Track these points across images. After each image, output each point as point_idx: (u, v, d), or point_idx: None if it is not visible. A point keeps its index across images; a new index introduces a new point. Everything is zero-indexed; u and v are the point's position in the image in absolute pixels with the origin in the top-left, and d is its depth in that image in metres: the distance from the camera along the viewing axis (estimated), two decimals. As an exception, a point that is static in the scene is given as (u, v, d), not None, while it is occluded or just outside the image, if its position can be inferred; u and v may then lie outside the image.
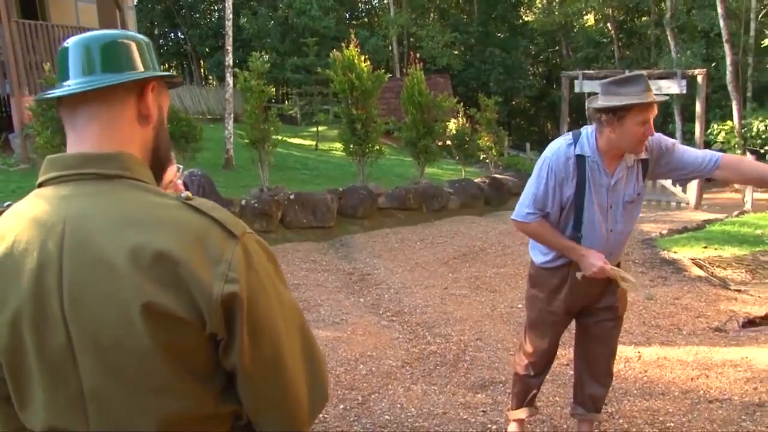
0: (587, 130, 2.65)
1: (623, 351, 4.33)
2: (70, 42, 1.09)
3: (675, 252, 7.52)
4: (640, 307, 5.35)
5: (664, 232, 8.89)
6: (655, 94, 2.50)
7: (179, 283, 0.95)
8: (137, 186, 1.04)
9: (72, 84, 1.05)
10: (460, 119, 13.31)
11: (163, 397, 0.99)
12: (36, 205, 1.03)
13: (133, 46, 1.10)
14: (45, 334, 1.00)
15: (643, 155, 2.64)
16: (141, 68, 1.09)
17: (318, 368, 1.10)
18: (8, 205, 1.09)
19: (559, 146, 2.66)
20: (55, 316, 0.98)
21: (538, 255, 2.86)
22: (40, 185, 1.05)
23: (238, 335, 0.98)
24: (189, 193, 1.04)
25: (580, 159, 2.60)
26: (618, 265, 2.83)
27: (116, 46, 1.08)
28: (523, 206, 2.72)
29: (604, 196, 2.64)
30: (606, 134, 2.54)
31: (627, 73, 2.60)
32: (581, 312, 2.89)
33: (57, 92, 1.05)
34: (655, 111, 2.50)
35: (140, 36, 1.14)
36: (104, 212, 0.99)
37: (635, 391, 3.75)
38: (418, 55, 14.33)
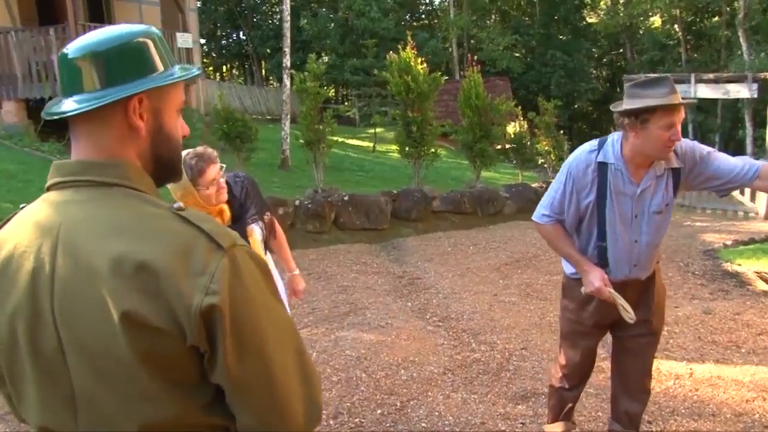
0: (614, 137, 2.55)
1: (674, 367, 4.17)
2: (69, 50, 1.07)
3: (739, 264, 7.21)
4: (697, 322, 5.13)
5: (729, 242, 8.53)
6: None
7: (159, 293, 0.95)
8: (132, 195, 1.05)
9: (64, 102, 1.06)
10: (519, 123, 13.12)
11: (146, 404, 1.00)
12: (39, 210, 1.07)
13: (136, 48, 1.07)
14: (38, 335, 1.02)
15: (675, 164, 2.51)
16: (153, 70, 1.08)
17: (313, 387, 1.08)
18: (23, 207, 1.12)
19: (581, 152, 2.59)
20: (46, 319, 1.01)
21: (568, 265, 2.79)
22: (48, 189, 1.09)
23: (220, 348, 0.97)
24: (181, 204, 1.04)
25: (602, 166, 2.51)
26: (652, 277, 2.72)
27: (107, 56, 1.05)
28: (541, 207, 2.72)
29: (627, 206, 2.54)
30: (630, 140, 2.44)
31: (652, 75, 2.49)
32: (614, 326, 2.79)
33: (44, 114, 1.08)
34: (682, 115, 2.38)
35: (151, 31, 1.11)
36: (95, 220, 1.01)
37: (683, 411, 3.60)
38: (475, 57, 14.20)
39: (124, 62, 1.06)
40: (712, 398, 3.75)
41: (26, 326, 1.03)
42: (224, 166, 2.72)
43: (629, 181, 2.51)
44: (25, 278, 1.02)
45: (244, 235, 2.77)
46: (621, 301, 2.54)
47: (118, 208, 1.02)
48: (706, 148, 2.55)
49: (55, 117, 1.05)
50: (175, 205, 1.03)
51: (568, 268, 2.79)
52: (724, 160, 2.51)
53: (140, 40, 1.08)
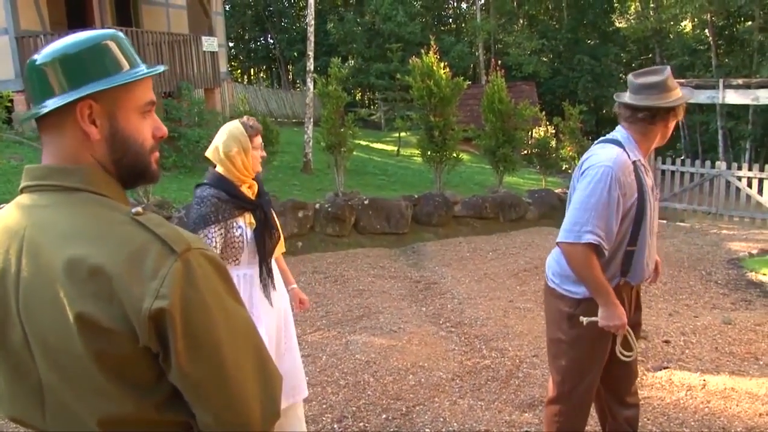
0: (623, 135, 2.52)
1: (687, 378, 4.09)
2: (38, 56, 1.09)
3: (765, 274, 7.05)
4: (715, 332, 5.02)
5: (755, 251, 8.35)
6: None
7: (112, 297, 0.98)
8: (93, 200, 1.08)
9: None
10: (544, 127, 13.01)
11: (102, 400, 1.03)
12: (11, 212, 1.12)
13: (84, 55, 1.08)
14: (7, 331, 1.08)
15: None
16: (102, 75, 1.08)
17: (271, 386, 1.10)
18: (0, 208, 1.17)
19: (617, 154, 2.43)
20: (13, 316, 1.06)
21: (579, 287, 2.54)
22: (21, 192, 1.13)
23: (172, 350, 1.00)
24: (140, 209, 1.06)
25: (635, 165, 2.48)
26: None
27: (51, 67, 1.08)
28: (580, 225, 2.37)
29: (652, 199, 2.53)
30: (656, 132, 2.49)
31: (652, 68, 2.55)
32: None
33: (21, 120, 1.12)
34: None
35: (108, 35, 1.12)
36: (56, 223, 1.05)
37: (693, 423, 3.53)
38: (499, 62, 14.13)
39: (78, 68, 1.08)
40: (724, 411, 3.67)
41: None
42: (264, 154, 2.92)
43: (649, 174, 2.54)
44: None
45: (269, 210, 2.87)
46: (631, 337, 2.56)
47: (76, 212, 1.06)
48: None
49: (24, 122, 1.09)
50: (133, 210, 1.06)
51: (581, 290, 2.53)
52: None
53: (93, 45, 1.10)
